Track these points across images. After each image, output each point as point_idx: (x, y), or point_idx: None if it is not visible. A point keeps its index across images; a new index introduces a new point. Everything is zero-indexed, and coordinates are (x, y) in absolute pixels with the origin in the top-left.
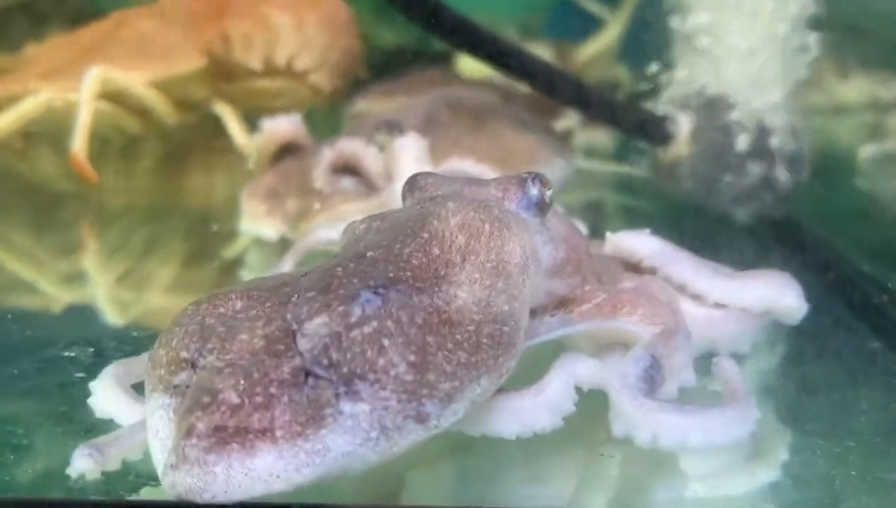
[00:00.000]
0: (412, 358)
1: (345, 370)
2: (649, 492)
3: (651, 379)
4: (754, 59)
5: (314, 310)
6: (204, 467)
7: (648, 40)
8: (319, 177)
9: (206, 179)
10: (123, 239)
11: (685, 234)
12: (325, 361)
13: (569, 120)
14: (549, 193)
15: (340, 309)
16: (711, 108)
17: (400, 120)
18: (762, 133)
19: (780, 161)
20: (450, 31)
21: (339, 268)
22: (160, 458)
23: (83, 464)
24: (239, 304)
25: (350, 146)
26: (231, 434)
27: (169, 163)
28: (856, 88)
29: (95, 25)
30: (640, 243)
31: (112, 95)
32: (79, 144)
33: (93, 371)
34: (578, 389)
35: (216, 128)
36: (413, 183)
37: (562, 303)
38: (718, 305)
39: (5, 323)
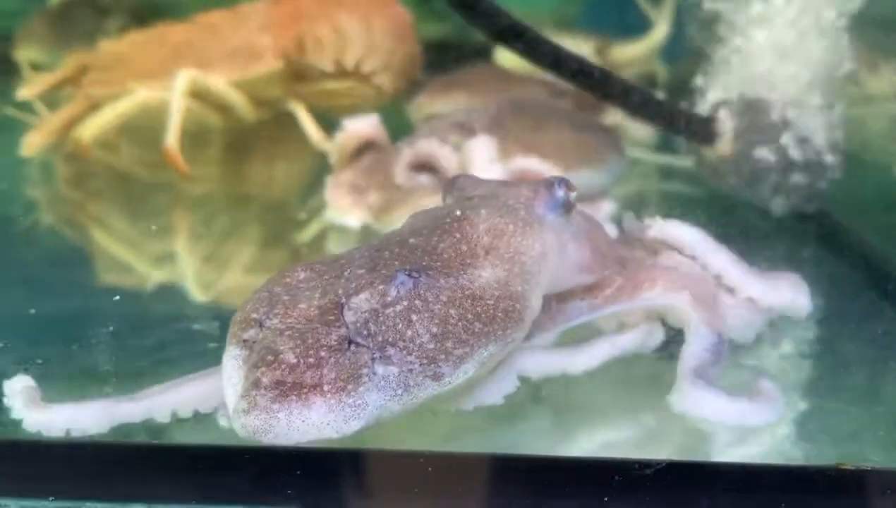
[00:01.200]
0: (434, 329)
1: (380, 339)
2: (701, 446)
3: (719, 353)
4: (793, 59)
5: (360, 287)
6: (270, 413)
7: (688, 39)
8: (400, 173)
9: (278, 169)
10: (206, 224)
11: (727, 224)
12: (365, 332)
13: (615, 114)
14: (573, 195)
15: (380, 287)
16: (752, 110)
17: (470, 122)
18: (800, 132)
19: (817, 158)
20: (500, 31)
21: (387, 252)
22: (231, 400)
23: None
24: (302, 275)
25: (428, 146)
26: (290, 388)
27: (242, 155)
28: (886, 81)
29: (181, 27)
30: (683, 232)
31: (198, 94)
32: (172, 140)
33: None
34: None
35: (286, 123)
36: (453, 183)
37: (588, 290)
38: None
39: (132, 300)
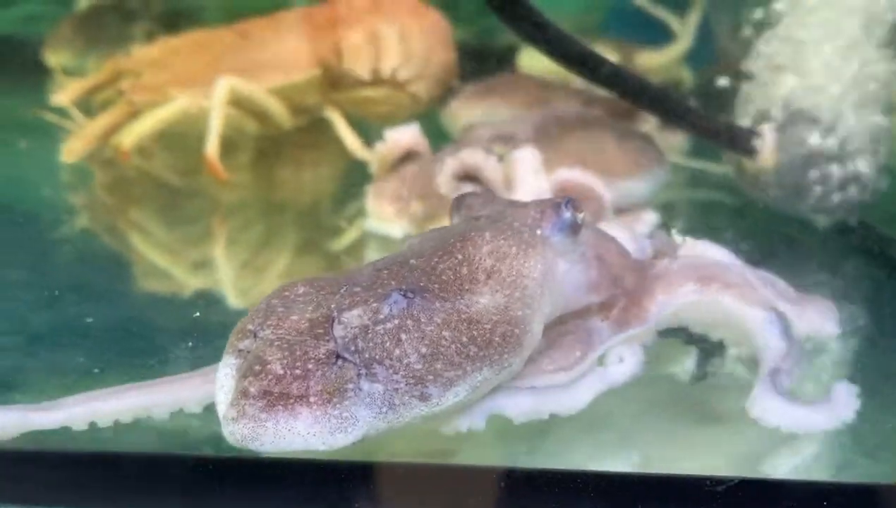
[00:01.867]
0: (424, 350)
1: (367, 356)
2: (768, 456)
3: (791, 338)
4: (837, 70)
5: (353, 303)
6: (258, 422)
7: (718, 48)
8: (443, 183)
9: (312, 176)
10: (242, 230)
11: (768, 235)
12: (353, 348)
13: (647, 123)
14: (580, 216)
15: (374, 305)
16: (795, 122)
17: (514, 132)
18: (845, 143)
19: (861, 170)
20: (551, 44)
21: (386, 271)
22: (222, 408)
23: None
24: (302, 290)
25: (472, 156)
26: (277, 398)
27: (275, 161)
28: None
29: (218, 34)
30: (713, 253)
31: (237, 101)
32: (212, 147)
33: None
34: None
35: (319, 130)
36: (460, 202)
37: (601, 310)
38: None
39: (176, 307)
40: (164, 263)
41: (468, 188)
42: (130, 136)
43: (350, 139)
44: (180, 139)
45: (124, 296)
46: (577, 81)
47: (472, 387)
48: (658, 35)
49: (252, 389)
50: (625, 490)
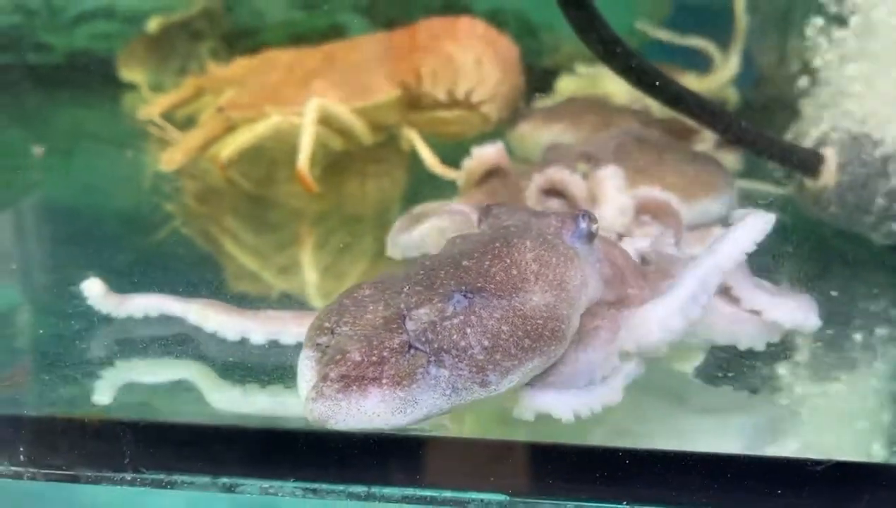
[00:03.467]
0: (486, 342)
1: (436, 345)
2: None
3: None
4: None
5: (420, 302)
6: (333, 401)
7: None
8: (530, 197)
9: (384, 189)
10: (321, 239)
11: (827, 252)
12: (424, 339)
13: (704, 144)
14: (595, 227)
15: (439, 304)
16: (858, 143)
17: (595, 152)
18: None
19: None
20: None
21: (442, 271)
22: (304, 393)
23: None
24: (368, 292)
25: (558, 173)
26: (352, 380)
27: (343, 174)
28: None
29: (307, 55)
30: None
31: (324, 119)
32: (303, 161)
33: None
34: None
35: (389, 145)
36: (487, 212)
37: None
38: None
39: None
40: (253, 266)
41: (554, 203)
42: (228, 149)
43: (428, 156)
44: (258, 152)
45: (233, 296)
46: (632, 104)
47: (524, 374)
48: (699, 60)
49: (332, 374)
50: (729, 470)
